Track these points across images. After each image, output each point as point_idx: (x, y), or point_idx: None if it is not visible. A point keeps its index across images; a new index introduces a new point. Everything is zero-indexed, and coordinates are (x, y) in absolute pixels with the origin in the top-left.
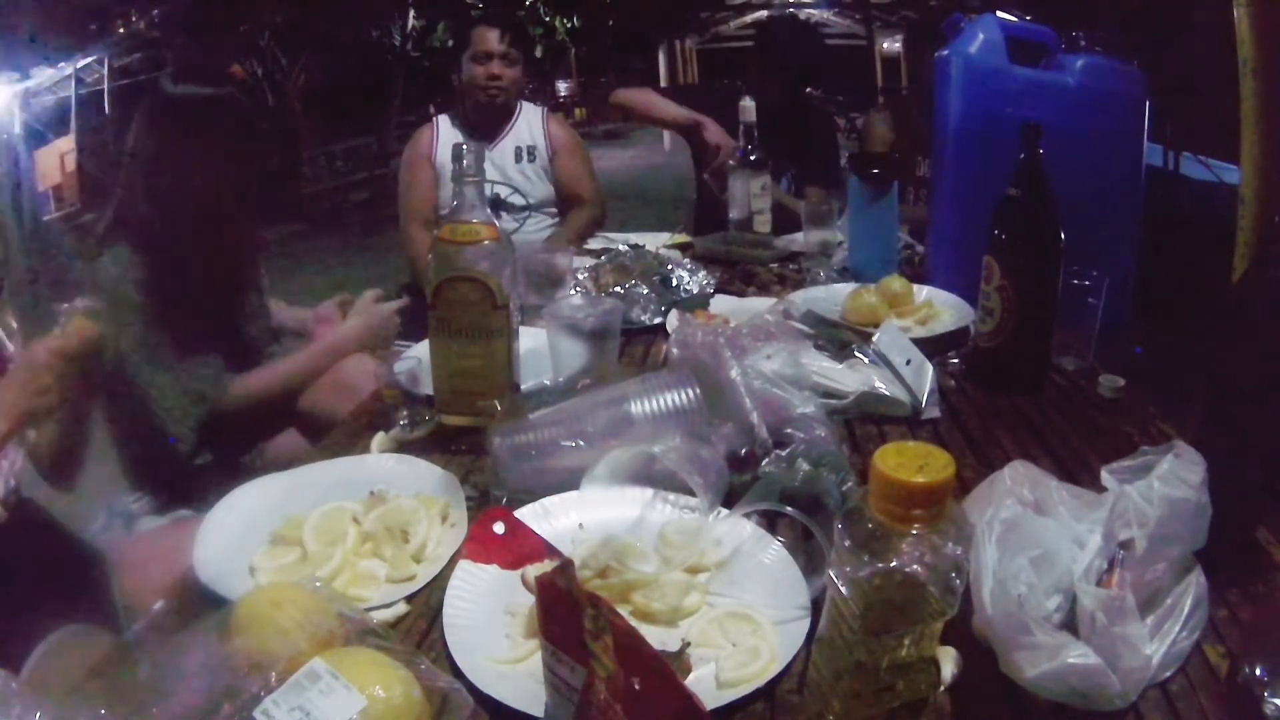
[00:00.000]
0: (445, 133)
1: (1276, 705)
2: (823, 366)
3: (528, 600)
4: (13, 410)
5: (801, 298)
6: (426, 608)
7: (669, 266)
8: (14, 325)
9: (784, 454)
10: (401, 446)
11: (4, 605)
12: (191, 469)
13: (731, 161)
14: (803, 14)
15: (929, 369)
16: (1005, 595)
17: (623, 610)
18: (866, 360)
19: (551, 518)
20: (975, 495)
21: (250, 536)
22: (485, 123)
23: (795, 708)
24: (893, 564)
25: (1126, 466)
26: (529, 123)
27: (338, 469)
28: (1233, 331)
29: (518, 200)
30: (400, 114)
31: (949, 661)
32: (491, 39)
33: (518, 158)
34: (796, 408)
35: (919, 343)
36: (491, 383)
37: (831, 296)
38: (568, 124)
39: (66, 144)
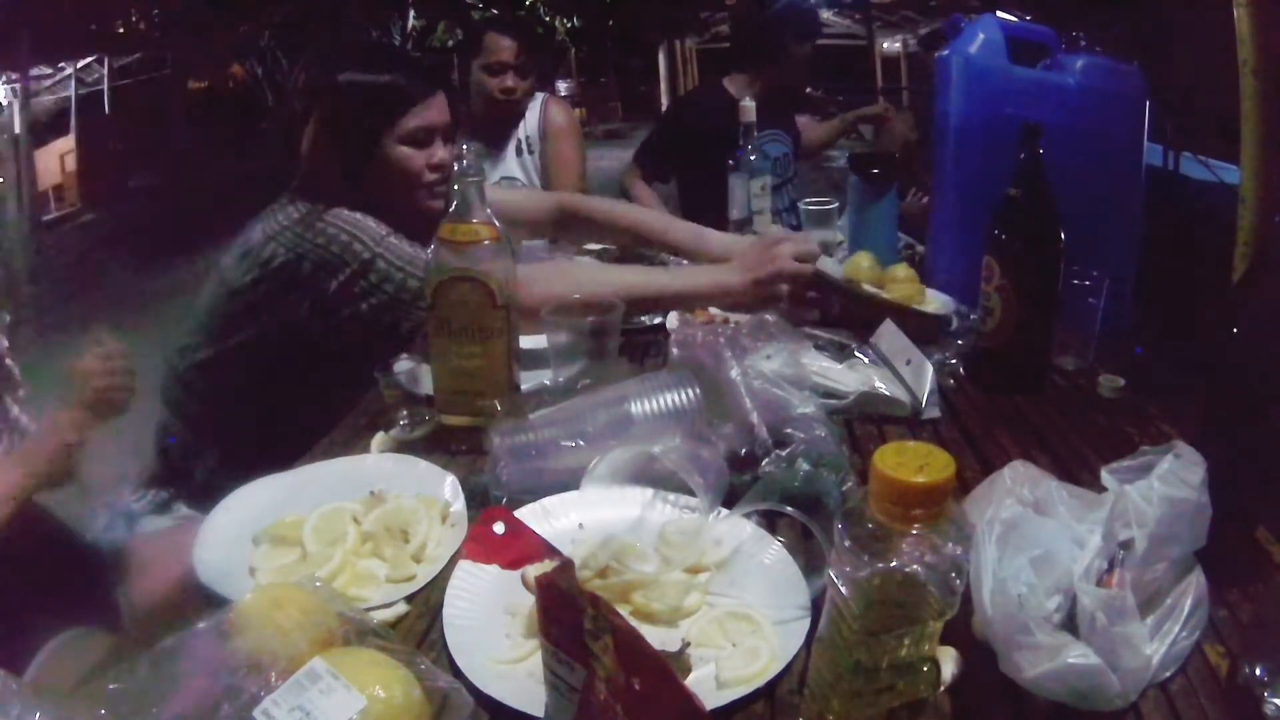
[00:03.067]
0: None
1: (1276, 705)
2: (823, 366)
3: (528, 600)
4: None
5: None
6: (426, 608)
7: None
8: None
9: (784, 454)
10: (401, 446)
11: (6, 605)
12: (190, 467)
13: (731, 162)
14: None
15: (929, 369)
16: (1005, 595)
17: (623, 610)
18: (866, 360)
19: (551, 518)
20: (975, 495)
21: (250, 537)
22: (493, 126)
23: (795, 708)
24: (893, 564)
25: (1126, 466)
26: (530, 114)
27: (338, 469)
28: (1233, 332)
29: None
30: None
31: (949, 661)
32: (507, 50)
33: (518, 151)
34: (796, 408)
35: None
36: (491, 383)
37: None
38: (567, 108)
39: (66, 144)
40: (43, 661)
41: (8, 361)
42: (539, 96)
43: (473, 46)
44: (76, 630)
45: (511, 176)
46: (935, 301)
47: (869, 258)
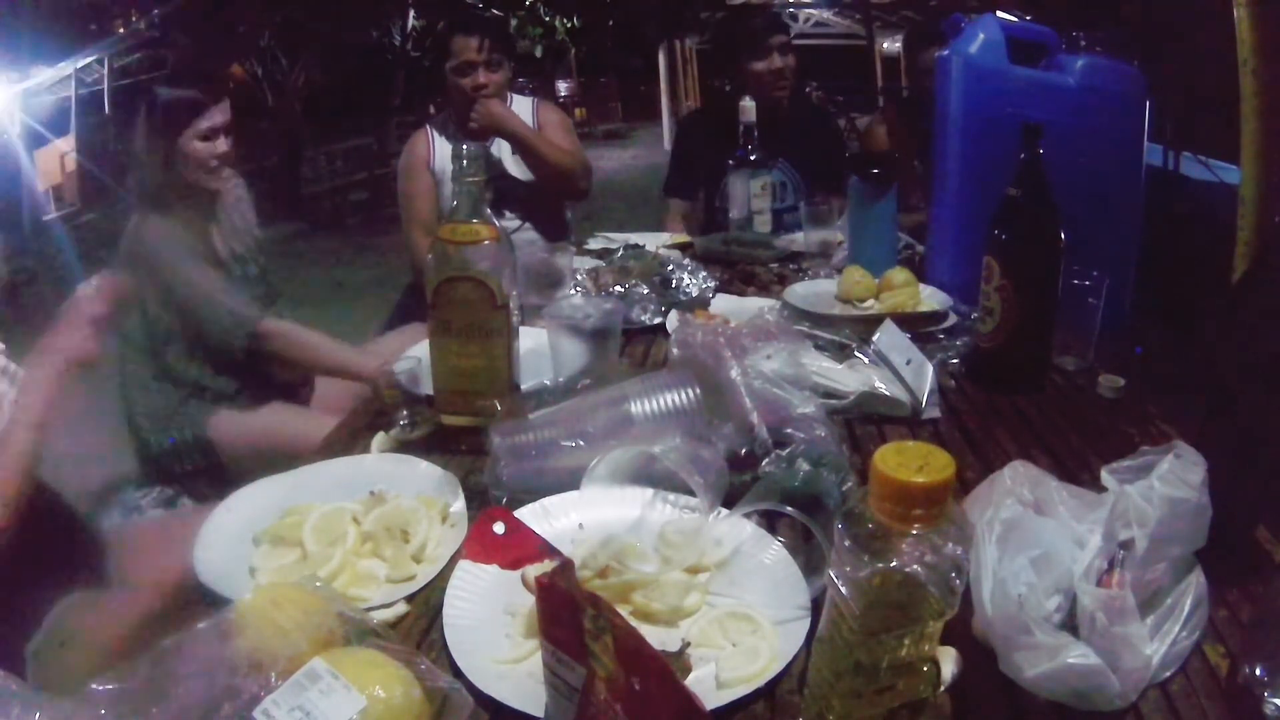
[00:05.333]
0: (440, 138)
1: (1276, 705)
2: (823, 366)
3: (528, 600)
4: (67, 353)
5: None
6: (426, 608)
7: (669, 267)
8: None
9: (784, 454)
10: (401, 446)
11: (7, 583)
12: (197, 466)
13: (731, 161)
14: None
15: (929, 369)
16: (1005, 595)
17: (623, 610)
18: (866, 360)
19: (551, 518)
20: (975, 495)
21: (250, 537)
22: (469, 123)
23: (795, 708)
24: (893, 564)
25: (1126, 466)
26: (520, 115)
27: (338, 469)
28: (1233, 332)
29: (520, 192)
30: (400, 114)
31: (949, 661)
32: (470, 48)
33: (514, 150)
34: (796, 408)
35: (903, 320)
36: (491, 383)
37: (812, 290)
38: (558, 108)
39: (66, 144)
40: (50, 625)
41: None
42: (528, 100)
43: (444, 51)
44: (80, 594)
45: (511, 175)
46: (932, 301)
47: (862, 272)
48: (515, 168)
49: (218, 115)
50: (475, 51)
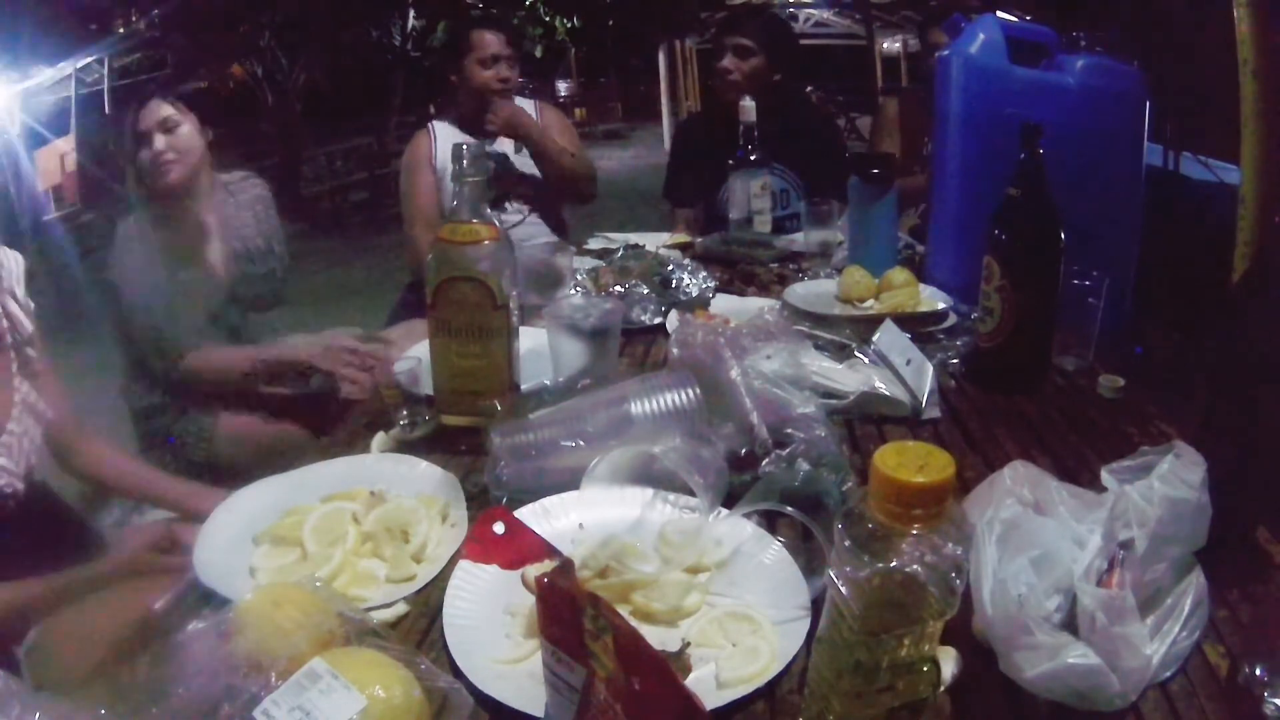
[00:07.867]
0: (443, 136)
1: (1276, 705)
2: (823, 366)
3: (528, 600)
4: None
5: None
6: (426, 608)
7: (669, 267)
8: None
9: (784, 454)
10: (401, 446)
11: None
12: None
13: (731, 161)
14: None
15: (929, 369)
16: (1005, 595)
17: (623, 610)
18: (866, 360)
19: (551, 518)
20: (975, 495)
21: (250, 537)
22: (486, 123)
23: (795, 708)
24: (893, 564)
25: (1126, 466)
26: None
27: (338, 469)
28: (1233, 331)
29: (524, 187)
30: (400, 114)
31: (949, 661)
32: (497, 43)
33: (517, 148)
34: (796, 408)
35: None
36: (491, 383)
37: (812, 290)
38: (560, 112)
39: (66, 144)
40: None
41: (29, 350)
42: (530, 102)
43: (463, 44)
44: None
45: (516, 169)
46: (932, 300)
47: (862, 272)
48: (520, 162)
49: (162, 109)
50: (502, 46)
